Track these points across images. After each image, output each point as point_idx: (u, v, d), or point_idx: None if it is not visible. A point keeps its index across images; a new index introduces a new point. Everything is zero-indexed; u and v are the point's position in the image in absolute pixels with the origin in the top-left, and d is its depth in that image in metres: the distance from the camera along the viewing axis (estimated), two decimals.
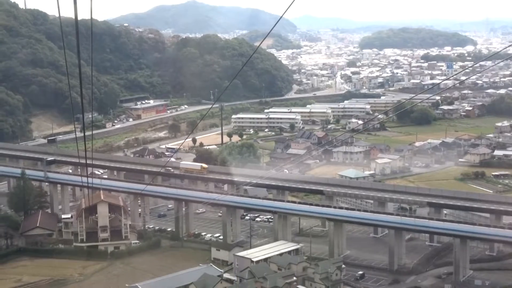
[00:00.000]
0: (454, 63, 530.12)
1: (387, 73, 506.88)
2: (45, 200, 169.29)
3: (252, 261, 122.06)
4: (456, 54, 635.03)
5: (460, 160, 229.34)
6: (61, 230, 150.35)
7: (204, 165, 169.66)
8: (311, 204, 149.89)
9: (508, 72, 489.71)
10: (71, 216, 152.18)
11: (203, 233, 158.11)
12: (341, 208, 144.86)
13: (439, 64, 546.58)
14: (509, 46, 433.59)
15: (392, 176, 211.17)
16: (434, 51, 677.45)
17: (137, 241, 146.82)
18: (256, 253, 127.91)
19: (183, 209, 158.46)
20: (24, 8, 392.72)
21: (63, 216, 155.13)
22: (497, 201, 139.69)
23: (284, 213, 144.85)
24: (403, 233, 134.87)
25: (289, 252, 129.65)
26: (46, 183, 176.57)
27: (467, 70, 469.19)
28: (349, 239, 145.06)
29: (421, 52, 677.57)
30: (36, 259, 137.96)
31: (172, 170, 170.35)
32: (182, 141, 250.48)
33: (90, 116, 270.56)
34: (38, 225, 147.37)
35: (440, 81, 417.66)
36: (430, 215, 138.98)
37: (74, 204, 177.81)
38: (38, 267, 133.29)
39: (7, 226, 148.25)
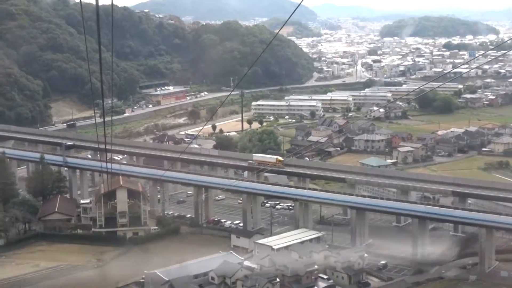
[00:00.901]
0: (476, 51, 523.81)
1: (409, 61, 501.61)
2: (63, 185, 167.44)
3: (273, 249, 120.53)
4: (478, 43, 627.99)
5: (483, 149, 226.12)
6: (80, 215, 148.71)
7: (280, 158, 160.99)
8: (332, 192, 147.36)
9: None
10: (90, 202, 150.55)
11: (222, 220, 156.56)
12: (363, 196, 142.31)
13: (461, 52, 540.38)
14: None
15: (414, 164, 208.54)
16: (455, 40, 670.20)
17: (156, 227, 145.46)
18: (277, 241, 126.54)
19: (203, 195, 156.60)
20: None
21: (81, 201, 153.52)
22: None
23: (305, 200, 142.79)
24: (427, 222, 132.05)
25: (310, 240, 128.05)
26: (65, 168, 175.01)
27: (489, 59, 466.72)
28: (371, 228, 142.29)
29: (442, 40, 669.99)
30: (54, 244, 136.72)
31: (254, 163, 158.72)
32: (202, 127, 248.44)
33: (109, 102, 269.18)
34: (56, 210, 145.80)
35: (463, 69, 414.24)
36: (454, 204, 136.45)
37: (93, 189, 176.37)
38: (55, 252, 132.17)
39: (26, 210, 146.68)
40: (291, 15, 36.10)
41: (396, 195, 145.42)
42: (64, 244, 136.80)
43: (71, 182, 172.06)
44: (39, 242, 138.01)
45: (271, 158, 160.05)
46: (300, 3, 32.94)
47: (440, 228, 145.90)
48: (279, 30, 58.81)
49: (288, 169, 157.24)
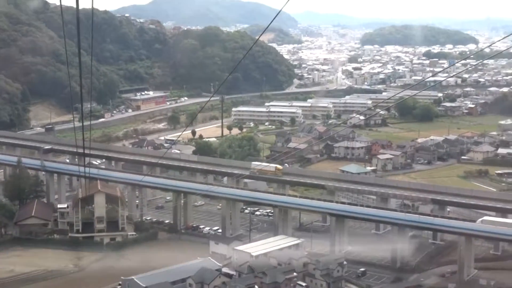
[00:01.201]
0: (456, 60, 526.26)
1: (389, 69, 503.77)
2: (41, 189, 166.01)
3: (251, 256, 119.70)
4: (458, 52, 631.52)
5: (463, 157, 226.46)
6: (57, 220, 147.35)
7: (279, 166, 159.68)
8: (312, 199, 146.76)
9: (510, 71, 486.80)
10: (67, 206, 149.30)
11: (201, 226, 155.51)
12: (343, 203, 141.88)
13: (440, 61, 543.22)
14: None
15: (394, 172, 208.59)
16: (435, 49, 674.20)
17: (134, 233, 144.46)
18: (256, 248, 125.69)
19: (182, 200, 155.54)
20: None
21: (59, 206, 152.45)
22: (502, 199, 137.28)
23: (285, 207, 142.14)
24: (407, 230, 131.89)
25: (289, 247, 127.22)
26: (43, 172, 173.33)
27: (469, 68, 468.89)
28: (350, 235, 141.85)
29: (422, 49, 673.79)
30: (30, 249, 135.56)
31: (255, 172, 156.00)
32: (181, 133, 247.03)
33: (89, 106, 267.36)
34: (33, 214, 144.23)
35: (442, 78, 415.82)
36: (433, 212, 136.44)
37: (70, 194, 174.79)
38: (32, 257, 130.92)
39: (1, 215, 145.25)
40: (271, 21, 36.37)
41: (375, 202, 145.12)
42: (41, 249, 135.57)
43: (48, 187, 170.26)
44: (15, 247, 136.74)
45: (270, 166, 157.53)
46: (280, 10, 33.50)
47: (419, 236, 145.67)
48: (260, 36, 58.53)
49: (287, 178, 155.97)
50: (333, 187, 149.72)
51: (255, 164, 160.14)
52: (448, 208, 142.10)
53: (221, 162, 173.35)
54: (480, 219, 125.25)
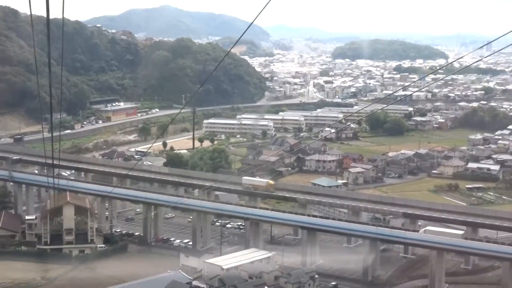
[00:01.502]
0: (426, 75, 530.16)
1: (360, 83, 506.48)
2: (8, 200, 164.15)
3: (222, 269, 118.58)
4: (428, 67, 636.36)
5: (433, 171, 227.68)
6: (25, 231, 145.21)
7: (271, 182, 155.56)
8: (284, 212, 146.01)
9: (479, 86, 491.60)
10: (36, 218, 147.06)
11: (172, 239, 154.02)
12: (314, 216, 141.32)
13: (411, 76, 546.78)
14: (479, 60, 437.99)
15: (364, 185, 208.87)
16: (406, 63, 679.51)
17: (103, 245, 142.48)
18: (227, 261, 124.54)
19: (152, 213, 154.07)
20: None
21: (27, 217, 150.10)
22: (473, 213, 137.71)
23: (256, 220, 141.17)
24: (378, 243, 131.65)
25: (260, 260, 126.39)
26: (11, 183, 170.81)
27: (439, 83, 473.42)
28: (321, 248, 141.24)
29: (393, 63, 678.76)
30: None
31: (248, 187, 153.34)
32: (152, 144, 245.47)
33: (58, 116, 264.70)
34: (0, 226, 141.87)
35: (412, 92, 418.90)
36: (404, 226, 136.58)
37: (39, 205, 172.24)
38: None
39: None
40: (243, 33, 36.45)
41: (347, 215, 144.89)
42: (8, 261, 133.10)
43: (16, 198, 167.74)
44: None
45: (261, 182, 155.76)
46: (252, 23, 33.58)
47: (391, 250, 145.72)
48: (231, 48, 58.82)
49: (279, 193, 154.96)
50: (305, 200, 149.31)
51: (247, 179, 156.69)
52: (419, 222, 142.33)
53: (192, 174, 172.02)
54: (423, 229, 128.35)
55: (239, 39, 41.46)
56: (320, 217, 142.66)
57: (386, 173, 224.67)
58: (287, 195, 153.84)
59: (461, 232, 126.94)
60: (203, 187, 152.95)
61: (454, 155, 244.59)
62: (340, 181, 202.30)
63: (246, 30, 35.64)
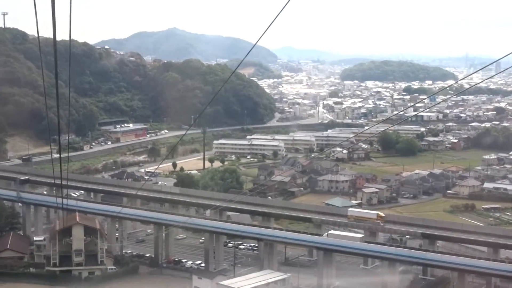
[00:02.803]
0: (436, 96, 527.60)
1: (370, 104, 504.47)
2: (17, 221, 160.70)
3: None
4: (437, 88, 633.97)
5: (448, 192, 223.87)
6: (33, 253, 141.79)
7: (381, 214, 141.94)
8: (299, 232, 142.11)
9: (490, 107, 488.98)
10: (44, 239, 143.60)
11: (183, 260, 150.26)
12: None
13: (421, 97, 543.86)
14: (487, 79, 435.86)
15: (379, 206, 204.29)
16: (415, 85, 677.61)
17: (114, 267, 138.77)
18: (241, 283, 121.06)
19: (163, 233, 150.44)
20: (3, 27, 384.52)
21: (35, 238, 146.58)
22: (493, 233, 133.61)
23: (270, 240, 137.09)
24: (397, 265, 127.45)
25: (275, 282, 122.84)
26: (19, 204, 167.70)
27: (449, 103, 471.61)
28: (337, 270, 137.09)
29: (402, 85, 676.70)
30: (5, 283, 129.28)
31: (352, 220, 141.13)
32: (161, 164, 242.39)
33: (67, 138, 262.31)
34: (8, 247, 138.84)
35: (424, 113, 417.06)
36: (423, 246, 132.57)
37: (47, 226, 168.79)
38: None
39: None
40: (248, 53, 37.14)
41: (364, 236, 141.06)
42: (16, 283, 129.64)
43: (24, 219, 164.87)
44: None
45: (371, 214, 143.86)
46: (255, 44, 34.13)
47: (409, 271, 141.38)
48: (237, 67, 56.68)
49: (392, 227, 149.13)
50: (320, 221, 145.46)
51: (353, 210, 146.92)
52: (438, 243, 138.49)
53: (204, 195, 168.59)
54: (326, 233, 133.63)
55: (244, 58, 41.95)
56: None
57: (400, 194, 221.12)
58: (301, 215, 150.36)
59: (360, 235, 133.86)
60: (217, 207, 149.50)
61: (469, 175, 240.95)
62: (354, 202, 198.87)
63: (250, 50, 36.47)
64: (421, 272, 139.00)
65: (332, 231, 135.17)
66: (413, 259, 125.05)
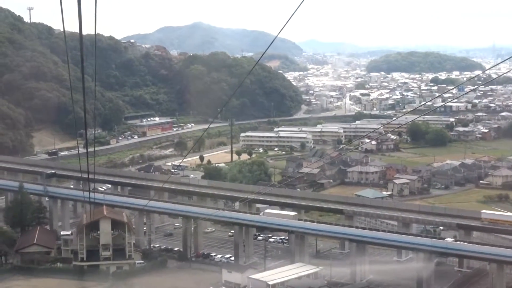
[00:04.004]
0: (464, 86, 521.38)
1: (397, 95, 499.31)
2: (43, 215, 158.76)
3: (268, 285, 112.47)
4: (465, 78, 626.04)
5: (481, 182, 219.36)
6: (60, 247, 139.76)
7: None
8: (331, 224, 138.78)
9: None
10: (71, 233, 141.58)
11: (213, 254, 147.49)
12: (363, 228, 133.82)
13: (448, 87, 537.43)
14: None
15: (410, 197, 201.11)
16: (442, 75, 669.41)
17: (142, 261, 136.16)
18: (272, 276, 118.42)
19: (192, 227, 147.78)
20: (29, 21, 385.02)
21: (62, 233, 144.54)
22: None
23: (302, 233, 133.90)
24: (433, 256, 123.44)
25: (308, 275, 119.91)
26: (46, 198, 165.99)
27: (478, 93, 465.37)
28: (371, 263, 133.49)
29: (429, 76, 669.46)
30: (32, 278, 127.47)
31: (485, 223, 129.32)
32: (189, 157, 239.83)
33: (93, 132, 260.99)
34: (35, 242, 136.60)
35: (452, 103, 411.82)
36: (459, 237, 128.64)
37: (74, 220, 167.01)
38: (33, 287, 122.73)
39: (2, 242, 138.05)
40: (269, 45, 37.56)
41: (396, 228, 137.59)
42: (43, 278, 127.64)
43: (51, 213, 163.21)
44: (16, 276, 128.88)
45: (510, 217, 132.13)
46: (277, 36, 34.11)
47: (444, 264, 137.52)
48: (260, 58, 54.20)
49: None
50: (351, 212, 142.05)
51: (487, 213, 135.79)
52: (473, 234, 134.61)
53: (232, 187, 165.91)
54: (262, 212, 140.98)
55: (267, 49, 42.32)
56: (370, 229, 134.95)
57: (432, 184, 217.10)
58: (332, 207, 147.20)
59: (294, 213, 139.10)
60: (245, 199, 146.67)
61: (501, 165, 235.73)
62: (385, 193, 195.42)
63: (272, 42, 36.59)
64: (456, 264, 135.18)
65: (267, 210, 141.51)
66: (450, 251, 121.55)
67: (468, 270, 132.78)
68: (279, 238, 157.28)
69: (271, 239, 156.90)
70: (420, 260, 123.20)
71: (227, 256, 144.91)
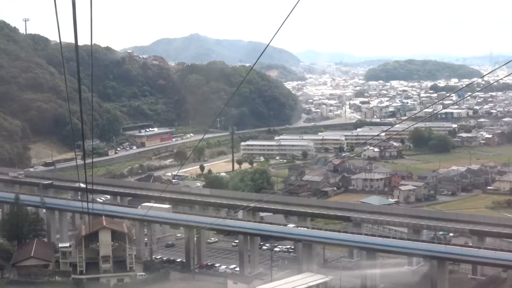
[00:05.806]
0: (464, 93, 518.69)
1: (397, 103, 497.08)
2: (41, 227, 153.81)
3: None
4: (463, 85, 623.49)
5: (488, 187, 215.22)
6: (58, 260, 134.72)
7: None
8: (339, 231, 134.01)
9: None
10: (70, 245, 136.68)
11: (217, 264, 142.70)
12: (373, 235, 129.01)
13: (448, 94, 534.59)
14: None
15: (417, 204, 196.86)
16: (441, 83, 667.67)
17: (143, 273, 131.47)
18: (280, 287, 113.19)
19: (194, 237, 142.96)
20: (24, 33, 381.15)
21: (60, 245, 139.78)
22: None
23: (309, 241, 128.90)
24: (446, 263, 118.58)
25: (317, 285, 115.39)
26: (43, 210, 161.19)
27: (478, 100, 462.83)
28: (381, 271, 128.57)
29: (428, 83, 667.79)
30: None
31: None
32: (189, 167, 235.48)
33: (91, 143, 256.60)
34: (32, 255, 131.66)
35: (454, 110, 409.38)
36: (472, 244, 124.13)
37: (73, 233, 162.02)
38: None
39: None
40: (262, 52, 37.26)
41: (406, 234, 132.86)
42: None
43: (49, 225, 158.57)
44: None
45: None
46: (268, 44, 33.09)
47: (457, 271, 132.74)
48: (254, 64, 52.83)
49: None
50: (359, 219, 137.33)
51: None
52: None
53: (235, 195, 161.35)
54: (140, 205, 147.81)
55: (260, 56, 41.00)
56: (380, 236, 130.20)
57: (438, 191, 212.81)
58: (339, 214, 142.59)
59: (168, 206, 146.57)
60: (247, 207, 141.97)
61: (508, 170, 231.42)
62: (391, 200, 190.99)
63: (265, 49, 35.70)
64: (470, 272, 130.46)
65: (144, 204, 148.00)
66: (464, 257, 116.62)
67: (482, 277, 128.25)
68: (284, 247, 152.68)
69: (276, 249, 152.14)
70: (432, 268, 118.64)
71: (232, 266, 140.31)
